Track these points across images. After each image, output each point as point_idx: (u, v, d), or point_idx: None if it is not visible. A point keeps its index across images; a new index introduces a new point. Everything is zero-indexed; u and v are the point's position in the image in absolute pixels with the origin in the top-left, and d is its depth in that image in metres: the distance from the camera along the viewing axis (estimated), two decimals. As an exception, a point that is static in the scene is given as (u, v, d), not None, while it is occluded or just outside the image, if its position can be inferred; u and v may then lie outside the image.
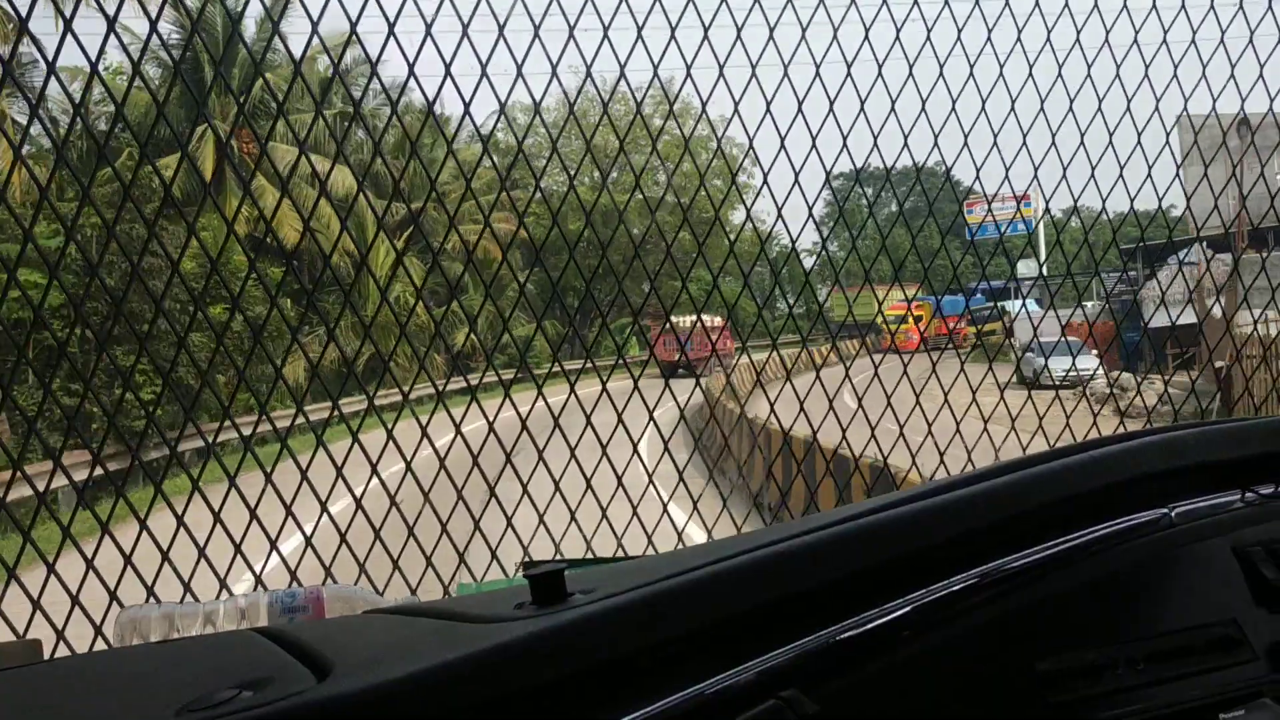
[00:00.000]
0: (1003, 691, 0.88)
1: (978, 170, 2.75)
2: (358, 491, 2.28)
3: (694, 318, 2.91)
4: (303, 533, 2.19)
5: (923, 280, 3.72)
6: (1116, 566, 0.97)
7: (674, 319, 3.64)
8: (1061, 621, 0.93)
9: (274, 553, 2.17)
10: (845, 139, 2.74)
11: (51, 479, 2.12)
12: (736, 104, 2.49)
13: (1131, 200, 3.07)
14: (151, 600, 1.83)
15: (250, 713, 0.70)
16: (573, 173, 2.59)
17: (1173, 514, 1.02)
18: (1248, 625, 0.96)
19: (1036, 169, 2.82)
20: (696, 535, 2.59)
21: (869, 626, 0.86)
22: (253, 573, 2.08)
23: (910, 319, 3.73)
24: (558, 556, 2.12)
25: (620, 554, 2.15)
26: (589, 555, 2.12)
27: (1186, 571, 1.00)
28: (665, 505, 2.62)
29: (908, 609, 0.88)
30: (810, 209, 2.73)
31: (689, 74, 2.39)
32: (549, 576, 0.88)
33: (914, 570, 0.90)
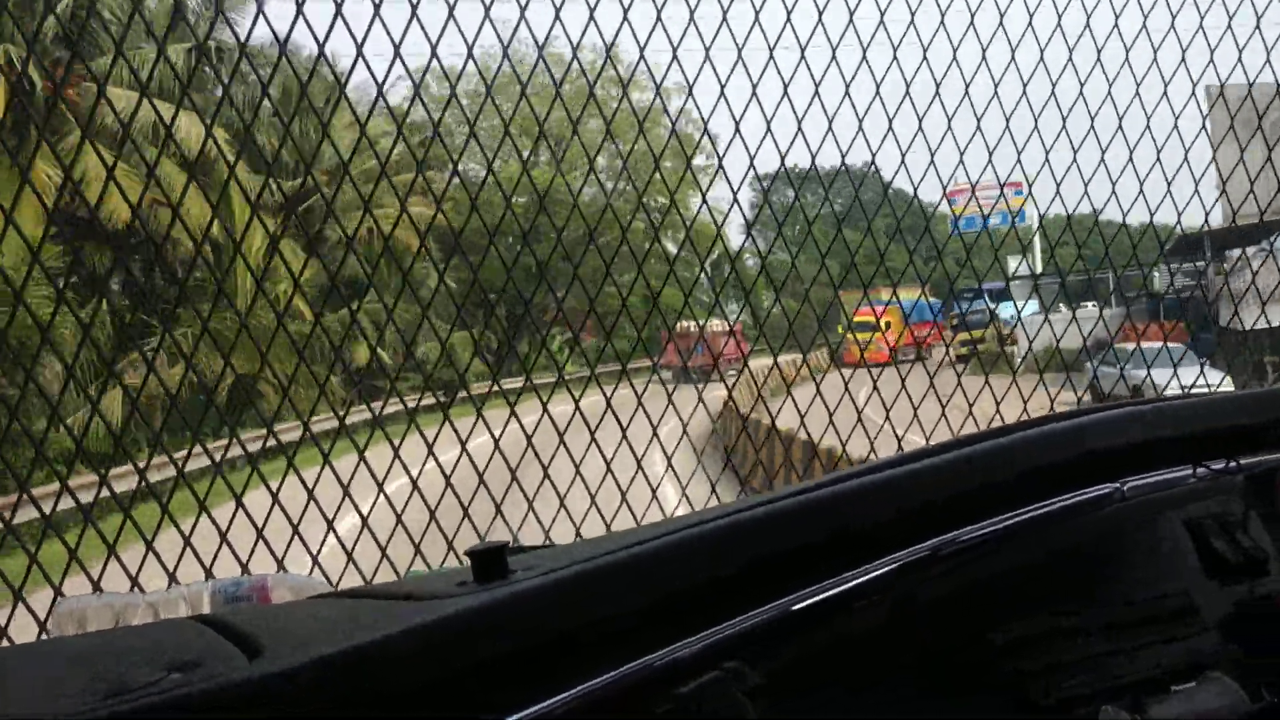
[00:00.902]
0: (954, 662, 0.89)
1: (961, 154, 2.69)
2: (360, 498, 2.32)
3: (704, 323, 2.89)
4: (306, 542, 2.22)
5: (896, 282, 3.46)
6: (1070, 540, 0.99)
7: (686, 324, 3.62)
8: (1015, 594, 0.94)
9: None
10: (800, 123, 2.61)
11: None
12: (691, 86, 2.45)
13: (1169, 183, 2.91)
14: (97, 591, 1.86)
15: (173, 693, 0.70)
16: (492, 154, 2.45)
17: (1125, 489, 1.03)
18: (1199, 598, 0.97)
19: (1018, 156, 2.75)
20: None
21: (819, 599, 0.86)
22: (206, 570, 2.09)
23: (880, 327, 3.46)
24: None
25: None
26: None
27: (1139, 545, 1.01)
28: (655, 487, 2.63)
29: (858, 581, 0.88)
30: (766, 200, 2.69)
31: (642, 54, 2.35)
32: (490, 553, 0.88)
33: (865, 543, 0.90)
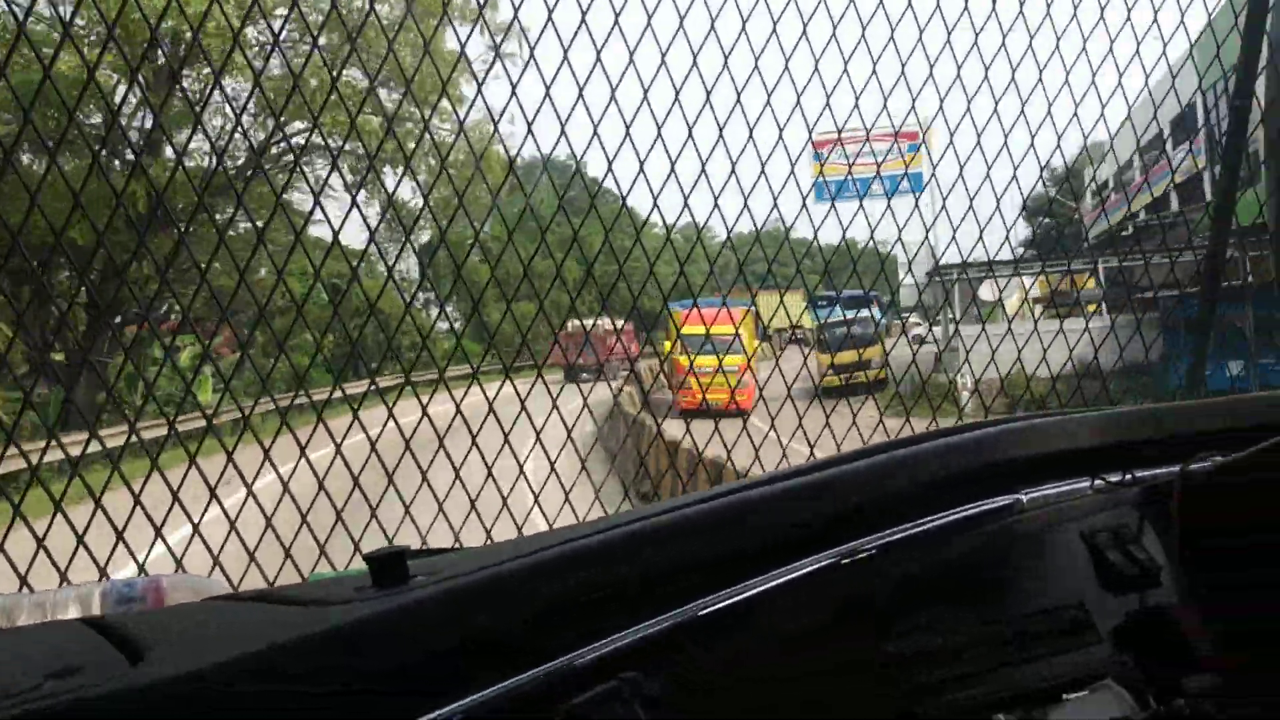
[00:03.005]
0: (851, 673, 0.89)
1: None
2: (239, 490, 2.26)
3: (595, 320, 2.84)
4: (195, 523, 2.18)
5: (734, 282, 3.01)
6: (968, 551, 1.00)
7: (578, 321, 3.57)
8: (913, 605, 0.94)
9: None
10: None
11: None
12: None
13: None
14: None
15: (46, 702, 0.67)
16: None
17: (1024, 500, 1.04)
18: (1094, 609, 0.98)
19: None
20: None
21: (718, 608, 0.86)
22: (137, 564, 2.05)
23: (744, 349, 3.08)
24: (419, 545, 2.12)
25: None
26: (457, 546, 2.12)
27: (1036, 556, 1.03)
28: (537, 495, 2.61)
29: (756, 591, 0.88)
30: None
31: None
32: (389, 559, 0.86)
33: (765, 552, 0.90)
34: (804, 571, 0.90)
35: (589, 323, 3.04)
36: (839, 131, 2.75)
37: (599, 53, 2.44)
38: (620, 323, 3.17)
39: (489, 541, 2.11)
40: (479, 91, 2.41)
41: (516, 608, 0.80)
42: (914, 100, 2.60)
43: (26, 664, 0.79)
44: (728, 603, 0.86)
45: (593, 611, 0.82)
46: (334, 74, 2.35)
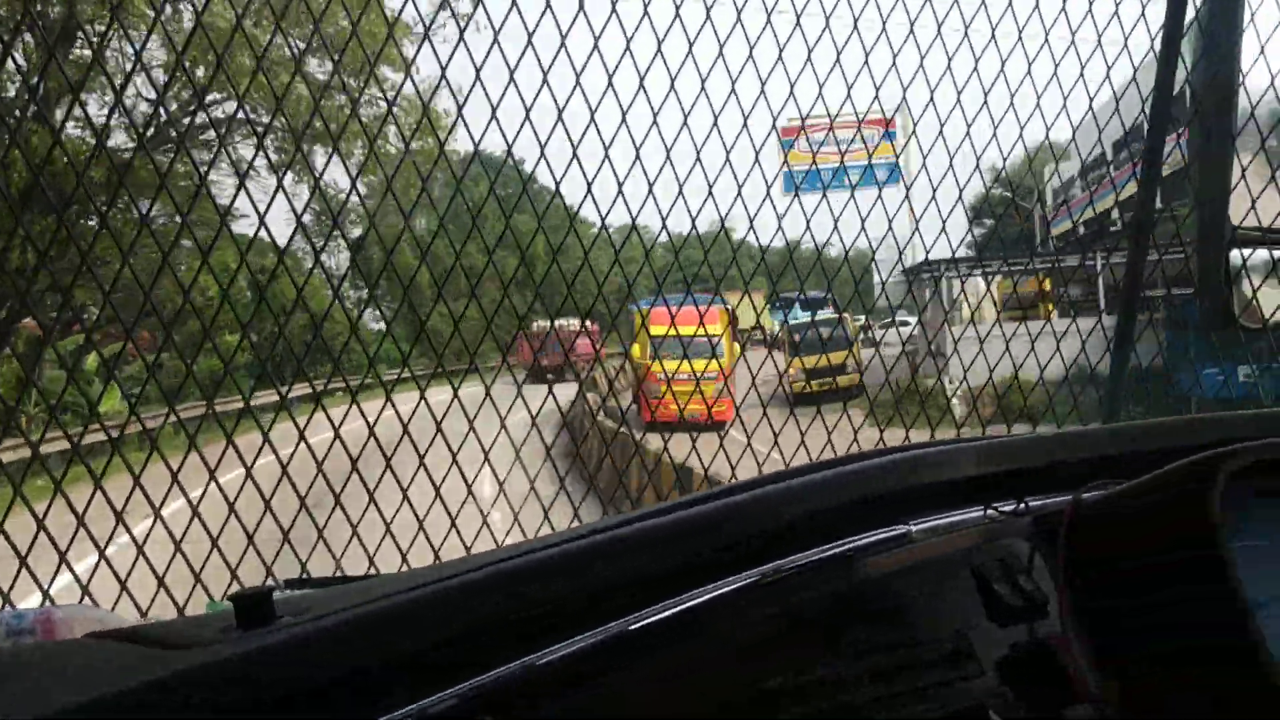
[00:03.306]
0: (732, 707, 0.88)
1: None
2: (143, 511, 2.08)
3: (559, 321, 2.74)
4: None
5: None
6: (855, 582, 0.99)
7: (541, 322, 3.42)
8: (797, 636, 0.94)
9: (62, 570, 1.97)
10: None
11: None
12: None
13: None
14: None
15: None
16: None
17: (913, 530, 1.05)
18: (977, 640, 0.97)
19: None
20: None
21: (588, 644, 0.84)
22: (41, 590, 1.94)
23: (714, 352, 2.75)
24: (334, 573, 2.03)
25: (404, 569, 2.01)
26: (404, 569, 1.98)
27: (923, 587, 1.02)
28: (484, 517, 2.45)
29: (634, 626, 0.87)
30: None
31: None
32: (254, 598, 0.85)
33: (639, 588, 0.89)
34: (685, 605, 0.90)
35: (552, 323, 2.88)
36: (803, 120, 2.65)
37: (531, 36, 2.28)
38: (586, 323, 3.00)
39: (436, 562, 1.95)
40: (408, 70, 2.24)
41: (378, 649, 0.78)
42: (878, 87, 2.53)
43: None
44: (602, 637, 0.85)
45: (464, 650, 0.80)
46: (266, 44, 2.16)
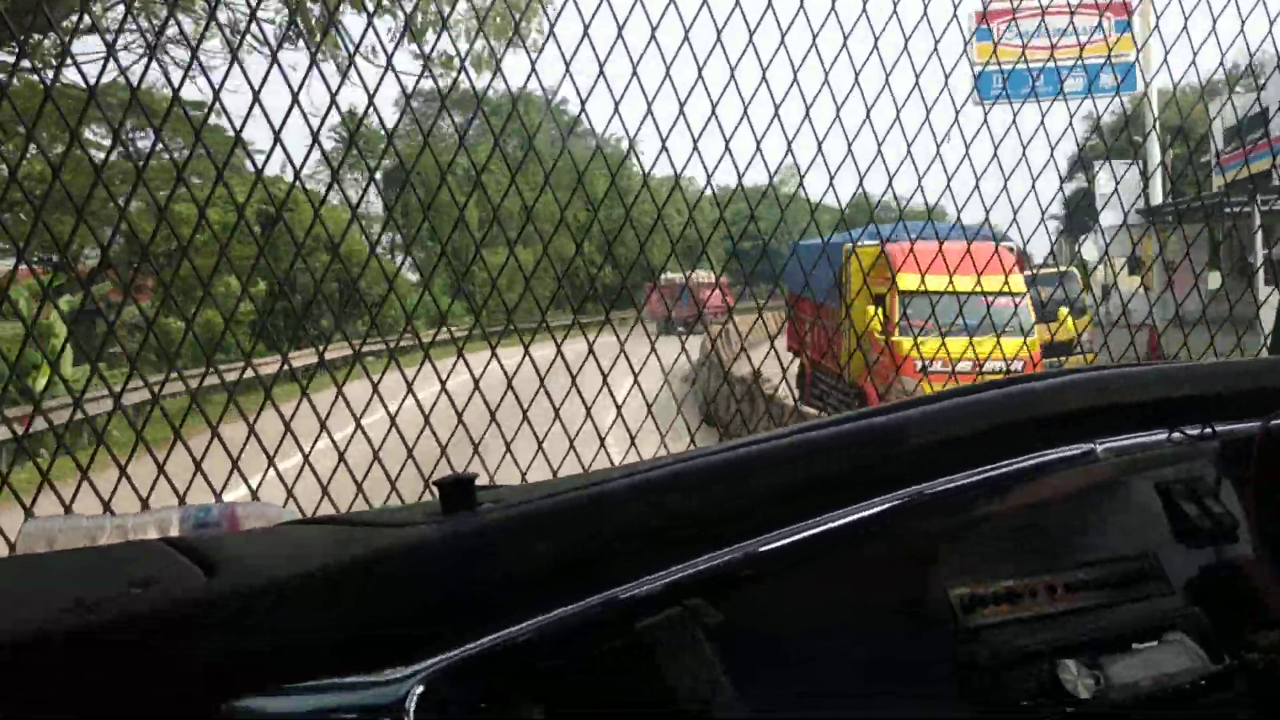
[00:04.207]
0: (915, 615, 0.91)
1: None
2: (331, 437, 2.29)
3: (688, 274, 2.75)
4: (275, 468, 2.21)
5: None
6: (1042, 498, 1.02)
7: (670, 275, 3.43)
8: (984, 548, 0.97)
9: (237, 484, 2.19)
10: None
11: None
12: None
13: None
14: (71, 513, 1.86)
15: (128, 607, 0.72)
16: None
17: (1099, 449, 1.05)
18: (1166, 561, 0.99)
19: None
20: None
21: (784, 543, 0.86)
22: (215, 495, 2.11)
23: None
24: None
25: None
26: None
27: (1110, 506, 1.05)
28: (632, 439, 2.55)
29: (824, 528, 0.89)
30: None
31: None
32: (458, 484, 0.88)
33: (834, 490, 0.92)
34: (871, 512, 0.92)
35: (679, 276, 2.90)
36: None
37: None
38: (716, 275, 3.00)
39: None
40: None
41: (585, 533, 0.82)
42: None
43: (111, 576, 0.85)
44: (798, 537, 0.88)
45: (660, 540, 0.84)
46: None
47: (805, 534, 0.88)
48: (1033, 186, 2.16)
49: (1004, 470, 0.99)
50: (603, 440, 2.50)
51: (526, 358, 2.49)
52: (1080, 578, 0.95)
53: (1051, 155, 2.11)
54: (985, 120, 2.08)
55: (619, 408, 2.56)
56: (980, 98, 2.08)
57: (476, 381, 2.44)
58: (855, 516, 0.90)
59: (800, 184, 2.46)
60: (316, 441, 2.27)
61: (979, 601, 0.91)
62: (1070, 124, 2.18)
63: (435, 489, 0.91)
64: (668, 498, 0.87)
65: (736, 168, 2.35)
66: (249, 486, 2.15)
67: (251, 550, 0.94)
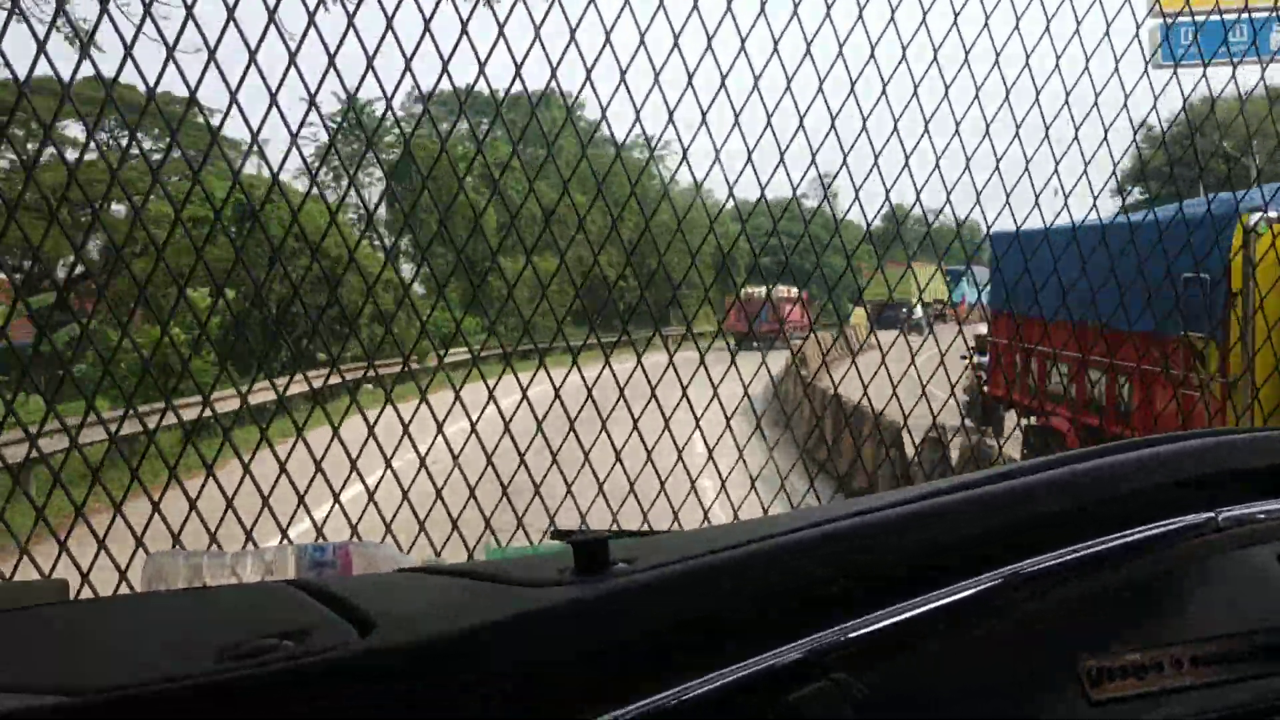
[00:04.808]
0: (1046, 686, 0.89)
1: None
2: (391, 457, 2.26)
3: (766, 289, 2.76)
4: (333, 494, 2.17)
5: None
6: (1163, 568, 0.99)
7: (748, 290, 3.40)
8: (1107, 620, 0.94)
9: (302, 513, 2.15)
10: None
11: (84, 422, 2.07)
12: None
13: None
14: (177, 547, 1.82)
15: (294, 662, 0.70)
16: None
17: (1219, 518, 1.03)
18: None
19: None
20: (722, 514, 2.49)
21: (918, 613, 0.86)
22: (281, 531, 2.10)
23: None
24: (581, 527, 2.12)
25: (646, 528, 2.10)
26: (614, 528, 2.06)
27: (1232, 577, 1.02)
28: (724, 481, 2.51)
29: (959, 596, 0.88)
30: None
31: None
32: (593, 544, 0.88)
33: (966, 557, 0.90)
34: (1003, 580, 0.90)
35: (761, 290, 2.88)
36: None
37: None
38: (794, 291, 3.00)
39: (664, 527, 2.05)
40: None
41: (726, 599, 0.82)
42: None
43: (251, 621, 0.83)
44: (932, 606, 0.86)
45: (802, 608, 0.83)
46: None
47: (939, 603, 0.86)
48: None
49: (1127, 539, 0.97)
50: (694, 483, 2.45)
51: (583, 380, 2.44)
52: (1209, 651, 0.93)
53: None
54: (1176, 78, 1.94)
55: (710, 450, 2.51)
56: (1161, 58, 1.90)
57: (535, 413, 2.40)
58: (982, 587, 0.89)
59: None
60: (383, 475, 2.24)
61: (1106, 674, 0.89)
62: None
63: (557, 539, 0.90)
64: (812, 563, 0.86)
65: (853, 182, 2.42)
66: (313, 521, 2.14)
67: (390, 601, 0.93)
